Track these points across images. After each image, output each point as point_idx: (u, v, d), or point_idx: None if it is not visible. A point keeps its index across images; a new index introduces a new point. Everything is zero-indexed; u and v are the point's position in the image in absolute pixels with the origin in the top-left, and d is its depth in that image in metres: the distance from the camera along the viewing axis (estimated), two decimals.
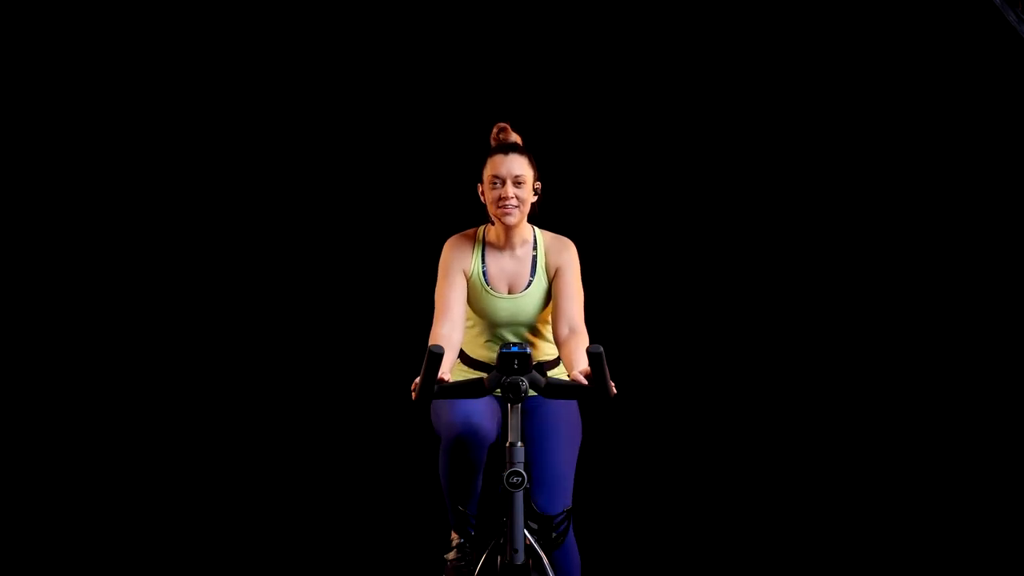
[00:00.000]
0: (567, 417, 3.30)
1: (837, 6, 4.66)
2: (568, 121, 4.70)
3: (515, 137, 3.37)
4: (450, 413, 3.18)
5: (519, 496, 2.89)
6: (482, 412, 3.17)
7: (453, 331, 3.18)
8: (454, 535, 3.36)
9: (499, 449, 3.12)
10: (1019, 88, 4.56)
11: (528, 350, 2.88)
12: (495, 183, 3.22)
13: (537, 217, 3.35)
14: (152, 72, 4.66)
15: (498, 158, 3.23)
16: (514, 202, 3.21)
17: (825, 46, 4.68)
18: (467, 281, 3.29)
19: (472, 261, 3.30)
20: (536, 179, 3.28)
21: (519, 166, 3.22)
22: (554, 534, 3.10)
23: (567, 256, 3.31)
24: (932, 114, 4.65)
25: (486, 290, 3.29)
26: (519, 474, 2.88)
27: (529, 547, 2.99)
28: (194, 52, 4.67)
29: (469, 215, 3.47)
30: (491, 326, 3.31)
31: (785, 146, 4.74)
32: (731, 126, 4.75)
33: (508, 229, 3.27)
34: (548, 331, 3.38)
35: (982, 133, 4.63)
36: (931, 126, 4.66)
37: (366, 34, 4.70)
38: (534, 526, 3.09)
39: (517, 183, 3.21)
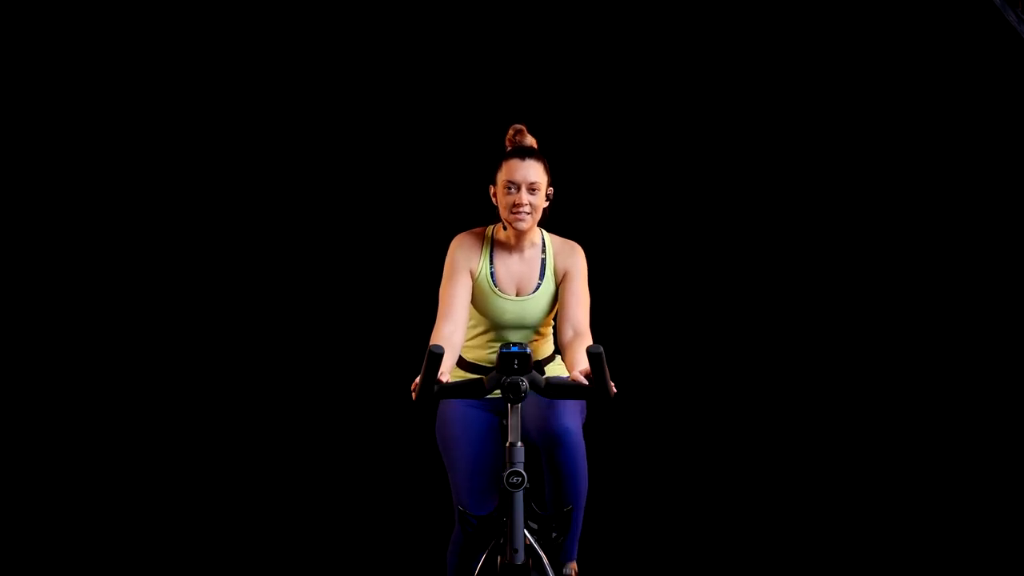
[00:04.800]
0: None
1: (837, 6, 4.66)
2: (575, 124, 4.69)
3: (531, 140, 3.33)
4: (459, 486, 3.18)
5: (519, 496, 2.89)
6: (491, 485, 3.17)
7: (455, 332, 3.17)
8: None
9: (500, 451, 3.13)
10: (1019, 88, 4.56)
11: (528, 350, 2.88)
12: (510, 188, 3.19)
13: (543, 219, 3.35)
14: (158, 73, 4.65)
15: (514, 163, 3.20)
16: (527, 209, 3.19)
17: (826, 46, 4.68)
18: (473, 281, 3.28)
19: (480, 261, 3.28)
20: (549, 184, 3.26)
21: (535, 173, 3.19)
22: (554, 534, 3.10)
23: (576, 260, 3.30)
24: (932, 114, 4.65)
25: (494, 291, 3.27)
26: (519, 474, 2.88)
27: (529, 547, 2.99)
28: (207, 54, 4.66)
29: (476, 214, 3.46)
30: (495, 327, 3.30)
31: (788, 148, 4.74)
32: (734, 130, 4.75)
33: (519, 232, 3.26)
34: (549, 331, 3.38)
35: (982, 133, 4.63)
36: (931, 126, 4.66)
37: (378, 34, 4.70)
38: (534, 526, 3.09)
39: (532, 190, 3.19)
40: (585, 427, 3.35)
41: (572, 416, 3.18)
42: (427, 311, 3.31)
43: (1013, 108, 4.57)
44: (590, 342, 3.14)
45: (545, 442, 3.15)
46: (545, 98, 4.66)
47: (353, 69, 4.71)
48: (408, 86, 4.72)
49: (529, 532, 3.00)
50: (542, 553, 3.05)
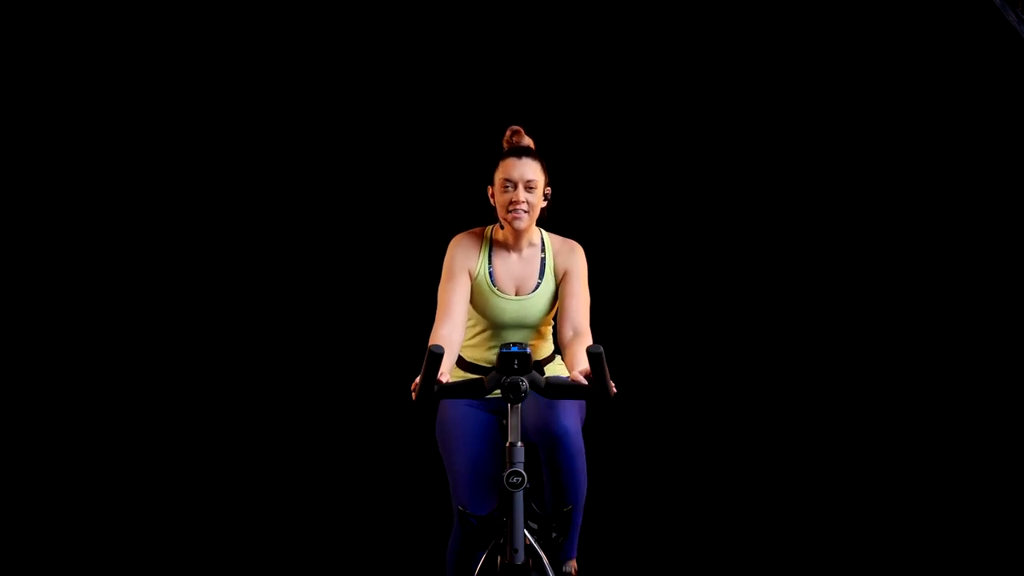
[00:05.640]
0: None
1: (837, 6, 4.66)
2: (575, 125, 4.69)
3: (528, 141, 3.35)
4: (458, 486, 3.18)
5: (519, 496, 2.89)
6: (491, 485, 3.18)
7: (454, 332, 3.17)
8: None
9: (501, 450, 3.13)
10: (1019, 88, 4.56)
11: (528, 350, 2.88)
12: (507, 187, 3.21)
13: (542, 219, 3.35)
14: (156, 73, 4.65)
15: (511, 161, 3.22)
16: (524, 207, 3.21)
17: (826, 46, 4.68)
18: (472, 281, 3.28)
19: (479, 261, 3.29)
20: (547, 184, 3.28)
21: (531, 171, 3.21)
22: (554, 534, 3.10)
23: (576, 260, 3.31)
24: (932, 114, 4.65)
25: (492, 291, 3.28)
26: (519, 474, 2.89)
27: (529, 547, 3.00)
28: (206, 55, 4.66)
29: (475, 215, 3.46)
30: (494, 327, 3.30)
31: (788, 148, 4.74)
32: (734, 129, 4.75)
33: (517, 231, 3.27)
34: (548, 330, 3.38)
35: (982, 133, 4.63)
36: (931, 126, 4.66)
37: (377, 34, 4.70)
38: (534, 526, 3.09)
39: (528, 188, 3.21)
40: (585, 427, 3.35)
41: (571, 416, 3.18)
42: (426, 311, 3.31)
43: (1013, 108, 4.57)
44: (590, 342, 3.14)
45: (544, 442, 3.16)
46: (544, 100, 4.66)
47: (352, 71, 4.71)
48: (407, 88, 4.72)
49: (529, 532, 3.01)
50: (542, 553, 3.05)
